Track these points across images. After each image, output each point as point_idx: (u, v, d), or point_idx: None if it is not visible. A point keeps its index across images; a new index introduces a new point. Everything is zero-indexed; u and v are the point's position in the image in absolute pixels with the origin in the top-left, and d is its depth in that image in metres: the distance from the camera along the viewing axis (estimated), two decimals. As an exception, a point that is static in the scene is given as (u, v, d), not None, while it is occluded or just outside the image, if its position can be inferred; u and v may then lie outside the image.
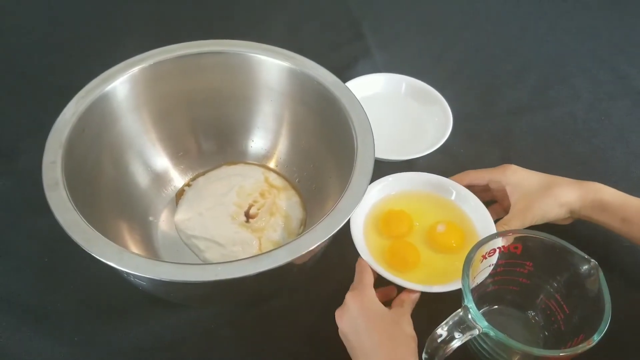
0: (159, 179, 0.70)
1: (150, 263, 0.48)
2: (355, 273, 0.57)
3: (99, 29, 1.00)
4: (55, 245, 0.65)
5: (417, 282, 0.56)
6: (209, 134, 0.73)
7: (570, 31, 1.04)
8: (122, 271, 0.48)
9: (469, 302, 0.49)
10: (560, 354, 0.48)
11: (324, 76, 0.64)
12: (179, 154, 0.72)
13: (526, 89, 0.91)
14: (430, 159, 0.76)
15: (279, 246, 0.49)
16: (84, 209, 0.51)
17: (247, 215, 0.67)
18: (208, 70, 0.68)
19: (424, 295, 0.56)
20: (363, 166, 0.56)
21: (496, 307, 0.60)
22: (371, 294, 0.54)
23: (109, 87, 0.62)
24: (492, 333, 0.48)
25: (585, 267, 0.53)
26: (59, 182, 0.52)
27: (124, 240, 0.61)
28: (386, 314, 0.52)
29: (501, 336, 0.48)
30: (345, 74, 0.86)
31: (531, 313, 0.59)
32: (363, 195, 0.53)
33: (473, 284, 0.54)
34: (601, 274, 0.51)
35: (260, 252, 0.62)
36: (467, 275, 0.52)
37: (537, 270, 0.57)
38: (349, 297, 0.54)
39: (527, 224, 0.61)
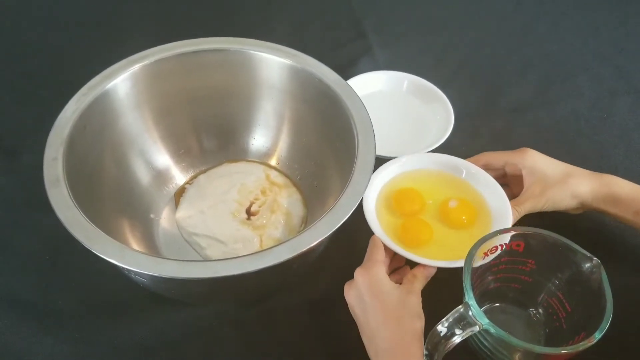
0: (161, 177, 0.70)
1: (151, 260, 0.48)
2: (367, 250, 0.57)
3: (101, 27, 1.00)
4: (57, 243, 0.65)
5: (430, 259, 0.56)
6: (210, 132, 0.73)
7: (571, 29, 1.04)
8: (124, 268, 0.48)
9: (470, 298, 0.49)
10: (562, 352, 0.48)
11: (326, 74, 0.64)
12: (180, 152, 0.72)
13: (528, 87, 0.91)
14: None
15: (279, 243, 0.49)
16: (85, 206, 0.51)
17: (249, 213, 0.67)
18: (209, 67, 0.68)
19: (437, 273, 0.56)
20: (364, 164, 0.56)
21: (498, 304, 0.60)
22: (381, 271, 0.53)
23: (110, 85, 0.62)
24: (492, 330, 0.48)
25: (588, 265, 0.52)
26: (60, 179, 0.52)
27: (125, 237, 0.61)
28: (393, 292, 0.52)
29: (502, 333, 0.48)
30: (347, 72, 0.86)
31: (533, 311, 0.59)
32: (364, 193, 0.53)
33: (479, 263, 0.54)
34: (603, 272, 0.51)
35: (261, 250, 0.62)
36: (468, 272, 0.51)
37: (539, 267, 0.57)
38: (358, 272, 0.54)
39: (538, 209, 0.62)
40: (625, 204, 0.61)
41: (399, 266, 0.60)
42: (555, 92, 0.90)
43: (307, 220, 0.68)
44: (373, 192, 0.62)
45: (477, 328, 0.49)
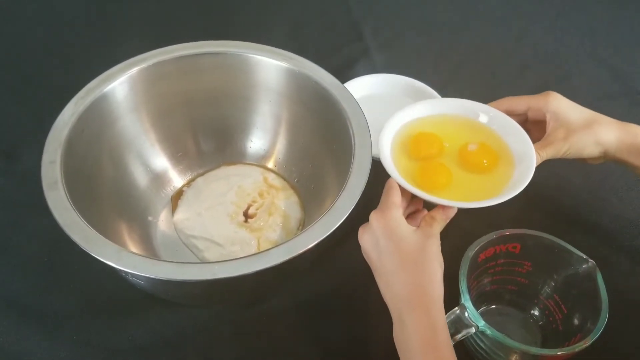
0: (158, 179, 0.70)
1: (148, 262, 0.48)
2: (382, 194, 0.54)
3: (99, 30, 1.00)
4: (55, 245, 0.65)
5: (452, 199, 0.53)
6: (208, 134, 0.73)
7: (568, 31, 1.04)
8: (121, 270, 0.48)
9: (466, 300, 0.50)
10: (558, 353, 0.48)
11: (323, 77, 0.64)
12: (178, 154, 0.72)
13: (525, 89, 0.90)
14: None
15: (276, 245, 0.49)
16: (83, 209, 0.52)
17: (246, 215, 0.67)
18: (207, 70, 0.68)
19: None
20: (360, 166, 0.56)
21: (494, 306, 0.60)
22: (397, 214, 0.51)
23: (108, 88, 0.62)
24: (489, 332, 0.48)
25: (584, 267, 0.53)
26: (58, 181, 0.53)
27: (123, 240, 0.62)
28: (411, 236, 0.50)
29: (498, 335, 0.48)
30: (344, 74, 0.86)
31: (529, 312, 0.59)
32: (360, 195, 0.53)
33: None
34: (599, 274, 0.52)
35: (258, 252, 0.62)
36: (464, 274, 0.52)
37: (535, 269, 0.57)
38: (373, 216, 0.51)
39: (561, 155, 0.60)
40: None
41: (415, 211, 0.57)
42: (552, 94, 0.90)
43: (305, 223, 0.69)
44: (387, 137, 0.59)
45: (473, 330, 0.49)
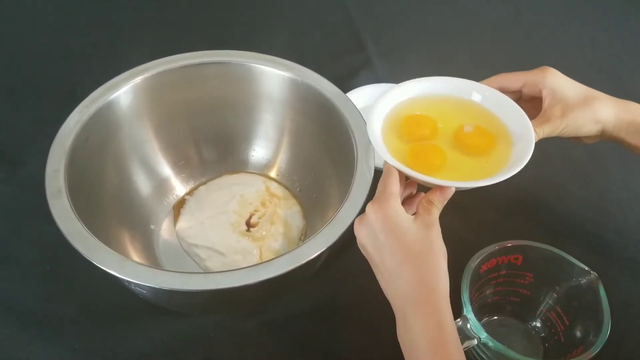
0: (161, 188, 0.71)
1: (151, 272, 0.48)
2: (379, 182, 0.51)
3: (102, 39, 1.00)
4: (57, 252, 0.65)
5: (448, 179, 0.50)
6: (210, 143, 0.73)
7: (569, 41, 1.04)
8: (124, 280, 0.48)
9: (468, 312, 0.50)
10: (560, 366, 0.48)
11: (325, 87, 0.65)
12: (180, 163, 0.72)
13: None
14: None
15: (279, 255, 0.49)
16: (86, 217, 0.52)
17: (248, 224, 0.67)
18: (210, 80, 0.68)
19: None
20: (362, 176, 0.56)
21: (496, 317, 0.60)
22: (395, 204, 0.47)
23: (112, 96, 0.63)
24: (491, 343, 0.48)
25: (586, 279, 0.53)
26: (61, 190, 0.53)
27: (125, 248, 0.62)
28: (411, 228, 0.46)
29: (500, 347, 0.48)
30: (346, 83, 0.87)
31: (531, 324, 0.59)
32: (362, 205, 0.53)
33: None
34: (601, 286, 0.52)
35: (260, 261, 0.62)
36: (467, 286, 0.52)
37: (537, 281, 0.57)
38: (370, 207, 0.48)
39: (558, 132, 0.57)
40: None
41: (409, 195, 0.54)
42: (553, 105, 0.91)
43: (307, 232, 0.69)
44: (377, 119, 0.56)
45: (475, 341, 0.49)
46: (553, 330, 0.57)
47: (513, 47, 1.03)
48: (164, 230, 0.69)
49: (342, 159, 0.62)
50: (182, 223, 0.68)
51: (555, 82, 0.58)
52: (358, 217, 0.49)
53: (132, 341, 0.59)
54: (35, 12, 1.05)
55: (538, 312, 0.58)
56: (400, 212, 0.47)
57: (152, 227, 0.68)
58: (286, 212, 0.69)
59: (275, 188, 0.72)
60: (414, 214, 0.49)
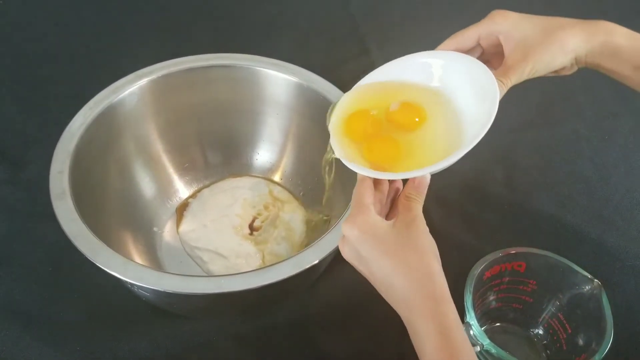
0: (164, 190, 0.71)
1: (154, 274, 0.48)
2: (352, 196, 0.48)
3: (107, 40, 1.01)
4: (60, 254, 0.65)
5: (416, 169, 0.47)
6: (215, 146, 0.74)
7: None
8: (127, 282, 0.48)
9: (471, 318, 0.50)
10: (563, 373, 0.48)
11: (330, 91, 0.65)
12: (184, 166, 0.72)
13: (529, 106, 0.92)
14: (432, 175, 0.76)
15: (282, 259, 0.49)
16: (90, 219, 0.52)
17: (251, 228, 0.67)
18: (216, 83, 0.69)
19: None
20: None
21: (499, 324, 0.60)
22: (369, 215, 0.45)
23: (117, 99, 0.63)
24: (493, 350, 0.48)
25: (589, 286, 0.53)
26: (66, 192, 0.53)
27: (127, 250, 0.62)
28: (391, 233, 0.44)
29: (503, 354, 0.48)
30: (350, 88, 0.86)
31: (534, 331, 0.59)
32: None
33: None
34: (604, 294, 0.52)
35: (263, 265, 0.62)
36: (470, 292, 0.52)
37: (540, 288, 0.57)
38: (344, 226, 0.45)
39: (527, 76, 0.53)
40: (625, 55, 0.52)
41: (396, 195, 0.51)
42: (556, 112, 0.91)
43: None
44: (334, 126, 0.53)
45: (478, 348, 0.49)
46: (555, 338, 0.57)
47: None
48: (167, 232, 0.69)
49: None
50: (185, 226, 0.68)
51: (508, 24, 0.53)
52: (340, 240, 0.47)
53: (134, 344, 0.59)
54: (40, 14, 1.05)
55: (541, 319, 0.58)
56: (375, 221, 0.45)
57: (154, 229, 0.68)
58: (289, 216, 0.69)
59: (279, 192, 0.72)
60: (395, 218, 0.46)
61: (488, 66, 0.52)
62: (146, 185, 0.69)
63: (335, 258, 0.57)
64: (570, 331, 0.55)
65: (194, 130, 0.72)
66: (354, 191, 0.47)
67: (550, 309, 0.57)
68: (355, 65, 0.97)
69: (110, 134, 0.63)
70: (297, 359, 0.59)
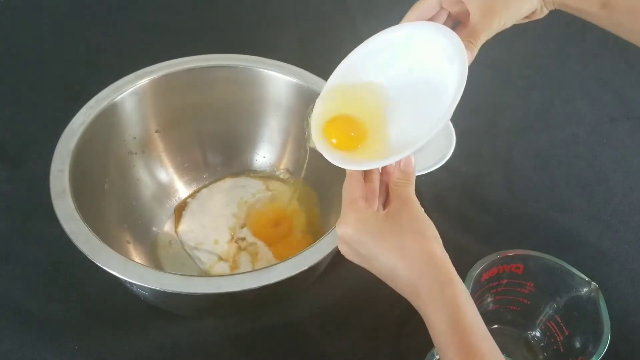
0: (164, 190, 0.71)
1: (153, 274, 0.48)
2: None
3: (110, 40, 1.01)
4: (60, 252, 0.65)
5: (396, 152, 0.45)
6: (215, 147, 0.74)
7: (573, 54, 1.05)
8: (126, 281, 0.48)
9: (469, 321, 0.50)
10: (559, 375, 0.48)
11: (330, 93, 0.65)
12: (184, 166, 0.72)
13: (529, 110, 0.92)
14: (433, 176, 0.77)
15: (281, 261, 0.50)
16: (89, 218, 0.52)
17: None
18: (216, 83, 0.69)
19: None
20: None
21: (496, 326, 0.60)
22: (359, 212, 0.44)
23: (118, 98, 0.63)
24: (491, 353, 0.48)
25: (586, 289, 0.53)
26: (66, 190, 0.53)
27: (127, 249, 0.62)
28: (384, 224, 0.43)
29: (501, 356, 0.48)
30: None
31: (531, 333, 0.59)
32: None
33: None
34: (601, 296, 0.52)
35: (261, 266, 0.62)
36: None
37: (538, 290, 0.57)
38: (338, 228, 0.45)
39: (497, 30, 0.51)
40: None
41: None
42: (555, 116, 0.91)
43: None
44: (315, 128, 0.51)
45: (475, 350, 0.49)
46: (552, 340, 0.57)
47: (518, 59, 1.03)
48: (166, 232, 0.69)
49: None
50: (184, 226, 0.69)
51: None
52: (338, 242, 0.46)
53: (133, 343, 0.59)
54: (41, 13, 1.05)
55: (538, 321, 0.58)
56: (365, 217, 0.44)
57: (154, 229, 0.68)
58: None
59: (276, 186, 0.72)
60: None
61: (460, 27, 0.52)
62: (146, 185, 0.69)
63: (334, 259, 0.57)
64: (567, 333, 0.55)
65: (194, 130, 0.72)
66: (343, 189, 0.46)
67: (548, 311, 0.57)
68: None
69: (111, 133, 0.63)
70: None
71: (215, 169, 0.74)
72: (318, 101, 0.52)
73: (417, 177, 0.74)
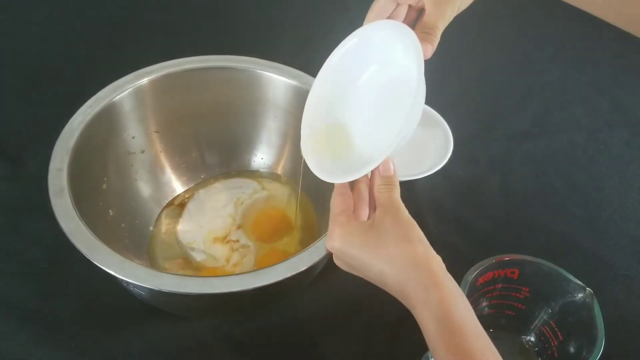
0: (162, 190, 0.71)
1: (150, 274, 0.48)
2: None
3: (109, 40, 1.01)
4: (57, 251, 0.65)
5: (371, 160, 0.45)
6: (213, 148, 0.74)
7: (571, 61, 1.06)
8: (123, 280, 0.48)
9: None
10: (553, 380, 0.49)
11: (329, 95, 0.65)
12: (182, 166, 0.72)
13: (527, 116, 0.93)
14: (430, 181, 0.77)
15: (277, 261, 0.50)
16: (87, 217, 0.52)
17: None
18: (215, 84, 0.69)
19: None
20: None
21: (491, 330, 0.60)
22: (343, 225, 0.45)
23: (117, 97, 0.63)
24: (486, 357, 0.48)
25: (581, 295, 0.53)
26: (64, 189, 0.53)
27: (124, 248, 0.62)
28: (369, 234, 0.44)
29: (495, 360, 0.48)
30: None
31: (526, 338, 0.59)
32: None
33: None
34: (596, 302, 0.52)
35: (256, 267, 0.62)
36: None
37: (533, 295, 0.57)
38: (327, 243, 0.46)
39: (450, 17, 0.51)
40: None
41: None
42: (553, 122, 0.92)
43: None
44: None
45: (470, 354, 0.49)
46: (547, 345, 0.57)
47: (516, 65, 1.04)
48: (163, 232, 0.69)
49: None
50: (181, 226, 0.69)
51: None
52: (333, 257, 0.48)
53: (128, 342, 0.59)
54: (41, 13, 1.05)
55: (533, 326, 0.59)
56: (350, 230, 0.45)
57: (150, 228, 0.68)
58: (285, 218, 0.70)
59: (273, 189, 0.73)
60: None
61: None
62: (144, 185, 0.69)
63: (330, 261, 0.57)
64: (561, 339, 0.55)
65: (193, 131, 0.72)
66: (330, 204, 0.48)
67: (543, 316, 0.57)
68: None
69: (110, 132, 0.63)
70: (290, 361, 0.59)
71: (213, 170, 0.74)
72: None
73: (414, 181, 0.75)
